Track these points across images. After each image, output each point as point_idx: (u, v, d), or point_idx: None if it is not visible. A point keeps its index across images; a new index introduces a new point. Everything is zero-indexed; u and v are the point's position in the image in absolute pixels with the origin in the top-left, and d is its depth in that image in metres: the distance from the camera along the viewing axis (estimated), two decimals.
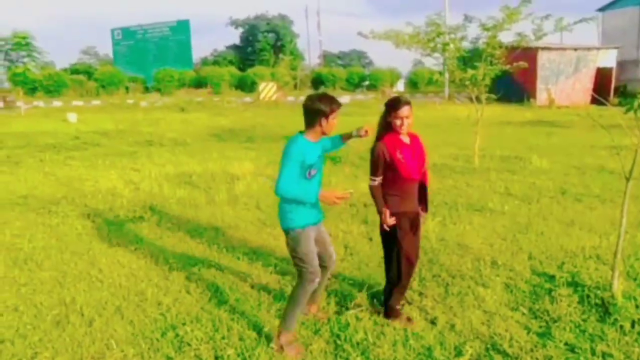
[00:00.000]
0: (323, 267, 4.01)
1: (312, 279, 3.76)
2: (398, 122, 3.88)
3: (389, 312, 4.16)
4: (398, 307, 4.18)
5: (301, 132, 3.71)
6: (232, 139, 15.73)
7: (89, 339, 3.98)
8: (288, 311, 3.82)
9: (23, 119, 22.82)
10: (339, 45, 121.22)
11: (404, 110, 3.85)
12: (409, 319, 4.14)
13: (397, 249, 4.03)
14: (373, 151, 3.96)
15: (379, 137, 3.98)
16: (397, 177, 3.94)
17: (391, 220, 3.94)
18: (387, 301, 4.19)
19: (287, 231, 3.80)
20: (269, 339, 3.89)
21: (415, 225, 4.07)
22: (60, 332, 4.09)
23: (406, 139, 3.99)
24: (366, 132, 4.02)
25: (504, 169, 10.35)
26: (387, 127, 3.95)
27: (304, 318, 4.16)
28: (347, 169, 10.47)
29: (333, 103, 3.64)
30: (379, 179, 4.00)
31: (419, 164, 3.98)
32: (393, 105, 3.89)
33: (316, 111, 3.60)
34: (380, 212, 4.01)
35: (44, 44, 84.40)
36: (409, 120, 3.89)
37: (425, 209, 4.20)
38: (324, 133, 3.70)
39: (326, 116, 3.60)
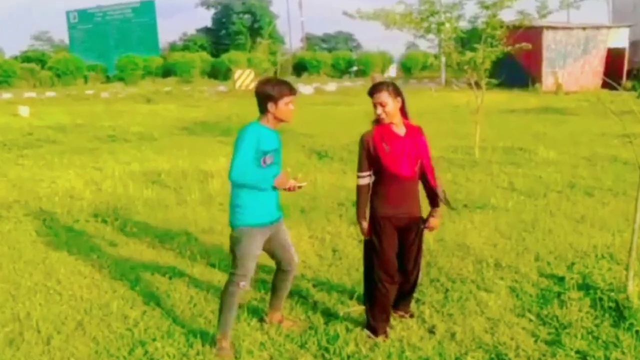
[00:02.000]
0: (283, 271, 4.12)
1: (238, 282, 3.84)
2: (375, 109, 3.91)
3: (370, 330, 4.14)
4: (380, 326, 4.10)
5: (257, 119, 3.84)
6: (204, 133, 15.66)
7: (47, 358, 3.94)
8: (219, 317, 3.95)
9: None
10: (323, 27, 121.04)
11: (378, 96, 3.86)
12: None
13: (372, 260, 4.04)
14: (359, 142, 3.98)
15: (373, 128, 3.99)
16: (383, 172, 3.91)
17: (366, 229, 4.00)
18: (367, 318, 4.20)
19: (232, 227, 3.89)
20: (250, 354, 3.88)
21: (406, 235, 4.02)
22: (14, 351, 4.05)
23: (400, 130, 3.95)
24: (299, 187, 3.98)
25: (507, 161, 10.44)
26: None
27: (288, 330, 4.16)
28: (334, 164, 10.49)
29: (284, 87, 3.75)
30: (365, 176, 3.98)
31: (411, 159, 3.90)
32: (369, 92, 3.94)
33: (264, 96, 3.73)
34: (357, 219, 4.05)
35: None
36: (385, 108, 3.85)
37: (435, 204, 4.10)
38: (277, 119, 3.78)
39: (274, 101, 3.71)
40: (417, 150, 3.95)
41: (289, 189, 3.91)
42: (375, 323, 4.11)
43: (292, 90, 3.79)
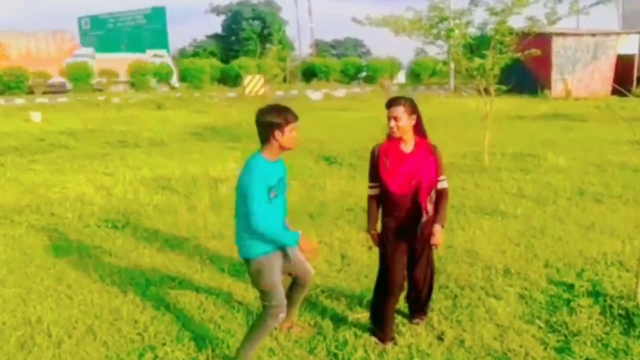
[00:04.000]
0: (301, 285, 4.08)
1: (276, 313, 3.70)
2: (388, 122, 3.90)
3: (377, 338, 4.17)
4: (384, 334, 4.14)
5: (259, 151, 3.67)
6: (214, 138, 15.71)
7: None
8: (244, 346, 3.78)
9: None
10: (332, 33, 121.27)
11: (392, 111, 3.87)
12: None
13: (380, 263, 4.17)
14: (370, 153, 4.05)
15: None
16: (381, 186, 3.99)
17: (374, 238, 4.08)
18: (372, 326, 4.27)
19: (246, 261, 3.74)
20: (258, 359, 3.89)
21: (414, 247, 4.05)
22: (26, 354, 4.08)
23: (407, 148, 3.95)
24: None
25: (516, 167, 10.41)
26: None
27: (297, 336, 4.16)
28: (343, 170, 10.49)
29: (288, 114, 3.58)
30: (373, 186, 4.06)
31: (408, 177, 3.89)
32: (387, 103, 3.93)
33: (269, 124, 3.54)
34: (367, 229, 4.14)
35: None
36: (398, 123, 3.85)
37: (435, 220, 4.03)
38: (282, 148, 3.62)
39: (281, 129, 3.53)
40: (418, 169, 3.91)
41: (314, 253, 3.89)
42: (378, 330, 4.16)
43: (295, 117, 3.62)
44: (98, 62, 41.32)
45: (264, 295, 3.71)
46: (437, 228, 3.95)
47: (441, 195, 4.02)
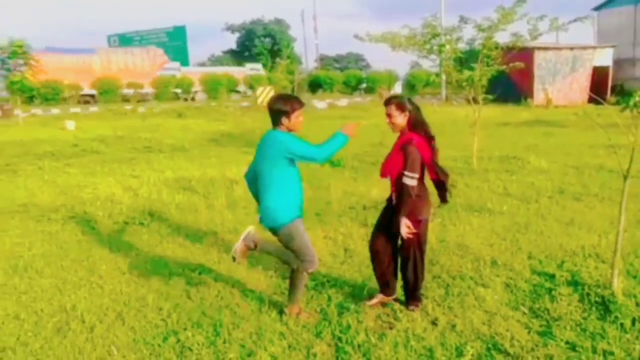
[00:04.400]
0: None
1: (310, 267, 4.00)
2: (386, 119, 4.13)
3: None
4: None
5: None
6: (230, 144, 15.74)
7: (91, 345, 3.98)
8: (292, 294, 4.15)
9: (21, 127, 22.81)
10: (335, 48, 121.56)
11: (386, 109, 4.08)
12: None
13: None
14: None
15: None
16: None
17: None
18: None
19: (276, 229, 3.95)
20: (270, 342, 3.89)
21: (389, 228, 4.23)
22: (62, 339, 4.09)
23: (399, 140, 4.12)
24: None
25: (502, 169, 10.37)
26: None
27: (304, 321, 4.16)
28: (346, 172, 10.48)
29: (294, 102, 3.88)
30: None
31: (386, 166, 4.12)
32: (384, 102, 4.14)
33: (278, 111, 3.84)
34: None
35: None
36: (391, 120, 4.06)
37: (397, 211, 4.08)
38: (289, 130, 3.90)
39: (287, 115, 3.83)
40: (392, 159, 4.09)
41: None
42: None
43: (301, 104, 3.92)
44: (184, 74, 44.96)
45: (299, 253, 3.96)
46: (395, 219, 4.04)
47: (401, 189, 4.00)
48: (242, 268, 5.45)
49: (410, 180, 3.94)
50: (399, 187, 4.03)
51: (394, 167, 4.04)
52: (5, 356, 3.86)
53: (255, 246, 4.17)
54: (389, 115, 4.05)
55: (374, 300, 4.45)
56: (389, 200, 4.25)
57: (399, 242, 4.22)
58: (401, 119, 4.03)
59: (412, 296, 4.37)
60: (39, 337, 4.13)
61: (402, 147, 4.02)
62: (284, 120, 3.83)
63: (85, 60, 43.14)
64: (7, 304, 4.74)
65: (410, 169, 3.94)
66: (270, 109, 3.87)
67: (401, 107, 4.02)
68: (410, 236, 4.00)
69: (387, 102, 4.09)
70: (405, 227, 3.95)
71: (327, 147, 3.87)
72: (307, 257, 3.95)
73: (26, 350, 3.93)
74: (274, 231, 3.97)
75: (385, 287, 4.45)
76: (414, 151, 3.96)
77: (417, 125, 4.07)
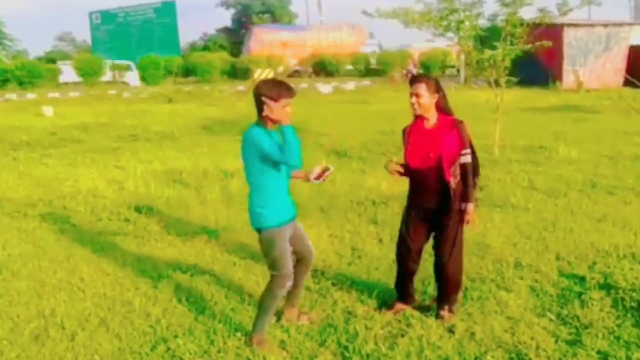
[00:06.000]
0: (303, 263, 4.15)
1: (284, 283, 3.89)
2: (410, 99, 4.02)
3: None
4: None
5: (254, 123, 3.83)
6: (224, 132, 15.72)
7: (71, 354, 4.00)
8: (258, 319, 3.98)
9: None
10: None
11: (414, 87, 3.98)
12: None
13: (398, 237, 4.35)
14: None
15: None
16: (406, 166, 4.16)
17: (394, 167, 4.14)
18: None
19: (259, 230, 3.90)
20: (270, 352, 3.90)
21: (436, 226, 4.14)
22: (40, 347, 4.11)
23: (429, 124, 4.06)
24: (323, 176, 4.00)
25: (527, 159, 10.35)
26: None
27: (308, 328, 4.18)
28: (353, 164, 10.48)
29: (282, 89, 3.66)
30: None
31: (426, 152, 4.00)
32: (409, 81, 4.05)
33: (261, 96, 3.64)
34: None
35: (15, 30, 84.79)
36: (419, 100, 3.96)
37: (464, 199, 4.08)
38: (273, 122, 3.67)
39: (271, 103, 3.59)
40: (438, 142, 3.99)
41: (318, 177, 3.96)
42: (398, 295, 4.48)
43: (290, 93, 3.69)
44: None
45: (274, 264, 3.88)
46: (469, 207, 4.06)
47: (464, 170, 4.04)
48: (239, 270, 5.47)
49: (467, 157, 4.04)
50: (455, 170, 4.02)
51: (446, 150, 3.96)
52: None
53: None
54: (416, 95, 3.97)
55: (395, 309, 4.41)
56: (417, 197, 4.15)
57: (447, 232, 4.12)
58: (429, 101, 3.99)
59: (447, 298, 4.33)
60: (15, 345, 4.15)
61: (452, 125, 4.03)
62: (267, 108, 3.59)
63: (299, 36, 49.22)
64: None
65: (465, 146, 4.03)
66: (254, 94, 3.69)
67: (434, 88, 4.00)
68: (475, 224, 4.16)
69: (416, 80, 4.02)
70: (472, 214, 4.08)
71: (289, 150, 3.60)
72: (283, 270, 3.86)
73: None
74: (258, 232, 3.94)
75: (408, 294, 4.45)
76: (467, 128, 4.08)
77: (445, 108, 4.10)
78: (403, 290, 4.44)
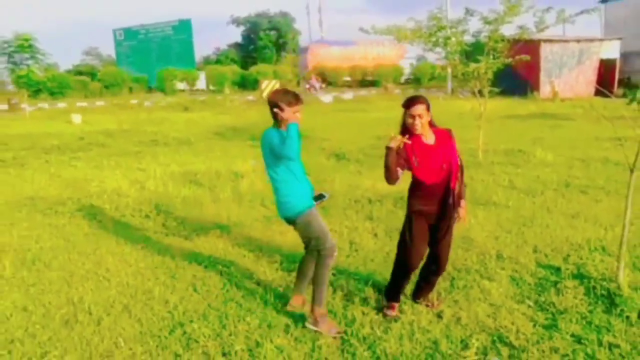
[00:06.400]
0: (312, 255, 4.13)
1: (331, 253, 3.95)
2: (409, 120, 3.79)
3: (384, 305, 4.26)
4: (386, 305, 4.26)
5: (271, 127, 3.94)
6: (235, 137, 15.74)
7: (98, 337, 4.01)
8: (316, 291, 3.97)
9: (28, 121, 22.91)
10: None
11: (415, 109, 3.77)
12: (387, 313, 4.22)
13: (400, 244, 4.08)
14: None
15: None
16: (414, 179, 3.93)
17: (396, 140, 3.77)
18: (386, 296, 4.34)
19: (293, 219, 3.94)
20: (276, 334, 3.91)
21: (437, 229, 3.99)
22: (69, 331, 4.12)
23: (430, 140, 3.88)
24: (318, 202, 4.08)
25: (507, 162, 10.34)
26: (406, 127, 3.84)
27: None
28: (351, 166, 10.48)
29: (291, 97, 3.79)
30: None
31: (438, 166, 3.84)
32: (406, 104, 3.83)
33: (274, 104, 3.77)
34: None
35: (46, 45, 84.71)
36: (422, 120, 3.77)
37: (462, 195, 4.05)
38: (287, 126, 3.77)
39: (281, 109, 3.73)
40: (445, 156, 3.87)
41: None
42: (388, 302, 4.28)
43: (298, 100, 3.81)
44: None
45: (317, 241, 3.93)
46: (462, 203, 4.05)
47: (461, 172, 4.03)
48: (248, 261, 5.47)
49: (461, 161, 4.02)
50: (459, 174, 3.97)
51: (453, 161, 3.89)
52: (14, 348, 3.90)
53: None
54: (419, 116, 3.77)
55: (395, 312, 4.23)
56: (423, 205, 3.95)
57: (445, 233, 4.03)
58: (428, 119, 3.86)
59: (430, 292, 4.37)
60: (47, 329, 4.16)
61: (449, 136, 3.97)
62: (279, 114, 3.75)
63: (348, 51, 49.35)
64: (16, 296, 4.78)
65: (458, 152, 4.00)
66: (269, 103, 3.84)
67: (428, 106, 3.85)
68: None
69: (416, 102, 3.79)
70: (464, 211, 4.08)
71: (288, 144, 3.69)
72: (327, 243, 3.92)
73: (34, 342, 3.96)
74: (292, 221, 3.96)
75: (401, 295, 4.32)
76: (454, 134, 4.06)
77: (432, 122, 3.97)
78: (399, 292, 4.26)
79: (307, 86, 40.00)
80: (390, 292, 4.28)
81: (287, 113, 3.72)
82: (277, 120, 3.82)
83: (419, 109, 3.78)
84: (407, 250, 4.01)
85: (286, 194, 3.91)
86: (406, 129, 3.83)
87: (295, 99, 3.79)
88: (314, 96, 33.18)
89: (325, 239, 3.92)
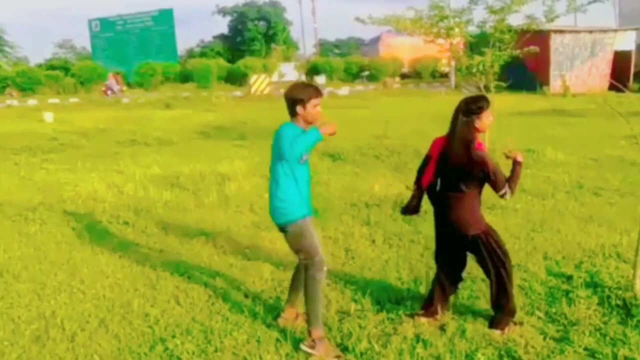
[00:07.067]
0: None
1: (321, 267, 3.92)
2: (490, 119, 4.31)
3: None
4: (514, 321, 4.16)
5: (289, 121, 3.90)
6: (221, 137, 15.71)
7: (71, 355, 3.99)
8: (309, 311, 3.93)
9: None
10: (335, 33, 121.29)
11: (489, 113, 4.28)
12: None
13: (506, 254, 4.40)
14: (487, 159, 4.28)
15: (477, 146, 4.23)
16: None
17: None
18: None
19: (285, 226, 3.93)
20: (266, 350, 3.90)
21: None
22: (40, 348, 4.10)
23: None
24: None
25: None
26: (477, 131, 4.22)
27: (303, 328, 4.16)
28: (347, 167, 10.48)
29: (311, 90, 3.84)
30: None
31: None
32: (486, 103, 4.28)
33: (293, 99, 3.80)
34: None
35: (16, 37, 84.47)
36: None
37: None
38: (307, 122, 3.83)
39: (303, 104, 3.77)
40: None
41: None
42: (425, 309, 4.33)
43: (319, 93, 3.87)
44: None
45: (308, 253, 3.92)
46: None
47: None
48: (236, 271, 5.46)
49: None
50: None
51: None
52: None
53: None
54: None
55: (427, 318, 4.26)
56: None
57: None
58: None
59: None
60: (16, 346, 4.14)
61: None
62: (299, 109, 3.78)
63: (414, 41, 48.00)
64: None
65: None
66: (285, 97, 3.86)
67: None
68: None
69: (487, 105, 4.25)
70: None
71: (304, 141, 3.69)
72: (316, 257, 3.91)
73: None
74: (283, 228, 3.97)
75: (435, 307, 4.30)
76: None
77: None
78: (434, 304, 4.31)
79: (104, 89, 37.51)
80: (512, 304, 4.11)
81: (309, 108, 3.78)
82: (294, 117, 3.84)
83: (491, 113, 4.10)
84: (509, 258, 4.24)
85: (283, 198, 3.90)
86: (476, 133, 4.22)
87: (315, 91, 3.86)
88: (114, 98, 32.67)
89: (315, 253, 3.91)
